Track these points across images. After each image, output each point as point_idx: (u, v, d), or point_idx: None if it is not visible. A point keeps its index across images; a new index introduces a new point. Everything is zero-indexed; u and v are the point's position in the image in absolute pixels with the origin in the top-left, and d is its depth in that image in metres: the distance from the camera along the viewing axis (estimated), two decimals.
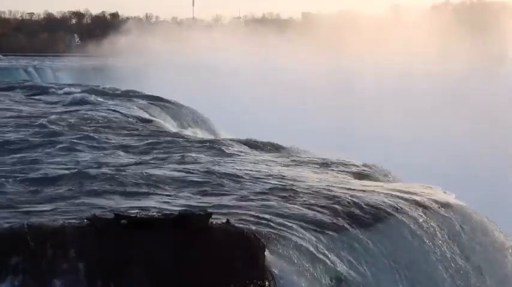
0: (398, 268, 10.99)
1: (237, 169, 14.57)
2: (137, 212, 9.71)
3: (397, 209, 12.14)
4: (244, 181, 13.50)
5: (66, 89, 36.86)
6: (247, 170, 14.62)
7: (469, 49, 59.75)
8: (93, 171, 13.75)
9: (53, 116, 23.15)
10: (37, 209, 10.90)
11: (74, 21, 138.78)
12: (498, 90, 50.20)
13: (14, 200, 11.51)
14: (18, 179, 13.02)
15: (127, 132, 20.37)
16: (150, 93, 34.56)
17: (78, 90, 35.89)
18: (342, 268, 10.28)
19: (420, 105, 46.44)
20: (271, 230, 10.31)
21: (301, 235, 10.44)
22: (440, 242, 11.95)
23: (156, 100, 32.11)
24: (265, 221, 10.66)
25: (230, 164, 15.16)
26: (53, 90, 36.35)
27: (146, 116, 26.26)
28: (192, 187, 12.81)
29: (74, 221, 9.74)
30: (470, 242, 12.51)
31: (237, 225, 9.83)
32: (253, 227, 10.11)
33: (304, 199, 12.17)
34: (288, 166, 15.77)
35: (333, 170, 15.48)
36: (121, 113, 25.45)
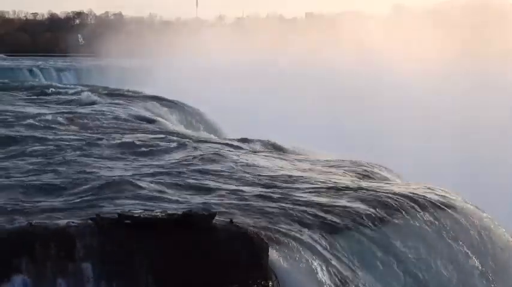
0: (405, 269, 10.98)
1: (241, 169, 14.57)
2: (141, 212, 9.72)
3: (402, 209, 12.12)
4: (248, 181, 13.51)
5: (70, 89, 36.95)
6: (251, 170, 14.61)
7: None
8: (96, 171, 13.77)
9: (56, 116, 23.17)
10: (41, 209, 10.92)
11: (77, 21, 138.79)
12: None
13: (18, 200, 11.53)
14: (21, 179, 13.04)
15: (131, 132, 20.38)
16: (154, 93, 34.56)
17: (82, 90, 35.95)
18: (346, 268, 10.28)
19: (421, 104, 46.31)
20: (275, 231, 10.32)
21: (305, 235, 10.45)
22: (446, 242, 11.95)
23: (159, 100, 32.14)
24: (269, 222, 10.66)
25: (234, 164, 15.16)
26: (57, 90, 36.40)
27: (150, 116, 26.27)
28: (195, 187, 12.82)
29: (78, 221, 9.76)
30: (476, 242, 12.50)
31: (240, 225, 9.84)
32: (257, 228, 10.11)
33: (308, 199, 12.17)
34: (291, 166, 15.77)
35: (336, 170, 15.47)
36: (124, 113, 25.47)
